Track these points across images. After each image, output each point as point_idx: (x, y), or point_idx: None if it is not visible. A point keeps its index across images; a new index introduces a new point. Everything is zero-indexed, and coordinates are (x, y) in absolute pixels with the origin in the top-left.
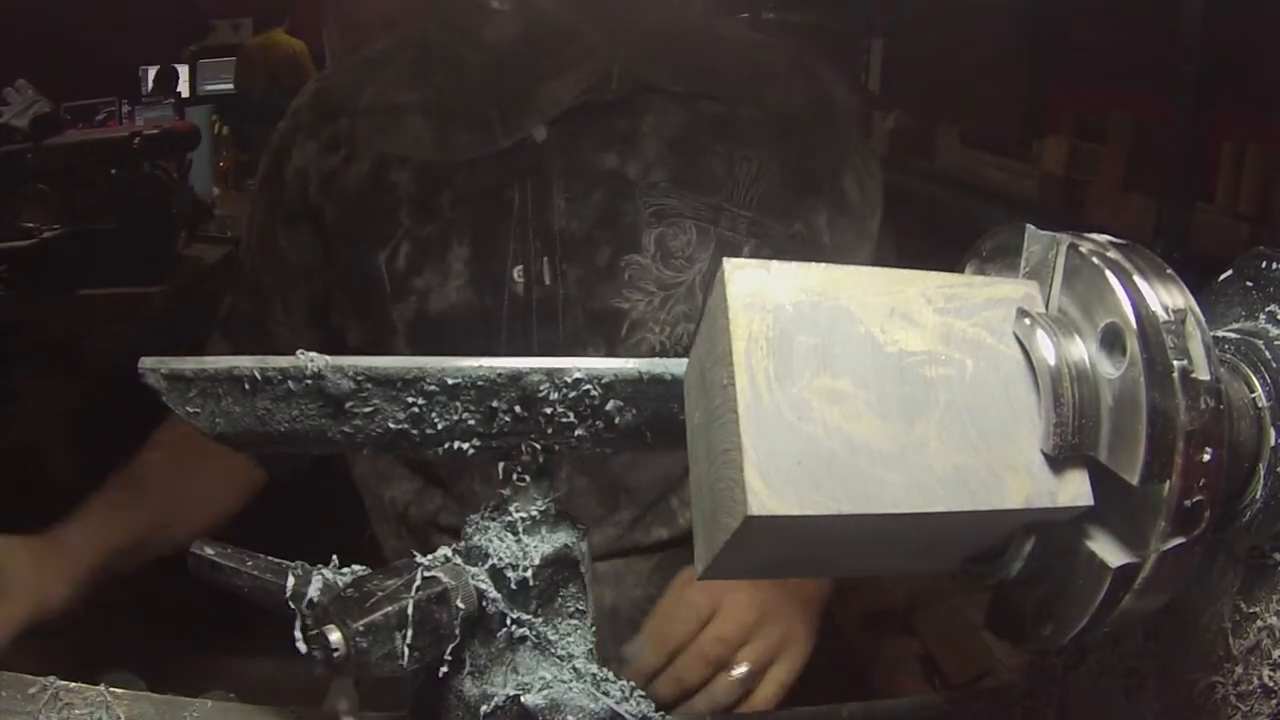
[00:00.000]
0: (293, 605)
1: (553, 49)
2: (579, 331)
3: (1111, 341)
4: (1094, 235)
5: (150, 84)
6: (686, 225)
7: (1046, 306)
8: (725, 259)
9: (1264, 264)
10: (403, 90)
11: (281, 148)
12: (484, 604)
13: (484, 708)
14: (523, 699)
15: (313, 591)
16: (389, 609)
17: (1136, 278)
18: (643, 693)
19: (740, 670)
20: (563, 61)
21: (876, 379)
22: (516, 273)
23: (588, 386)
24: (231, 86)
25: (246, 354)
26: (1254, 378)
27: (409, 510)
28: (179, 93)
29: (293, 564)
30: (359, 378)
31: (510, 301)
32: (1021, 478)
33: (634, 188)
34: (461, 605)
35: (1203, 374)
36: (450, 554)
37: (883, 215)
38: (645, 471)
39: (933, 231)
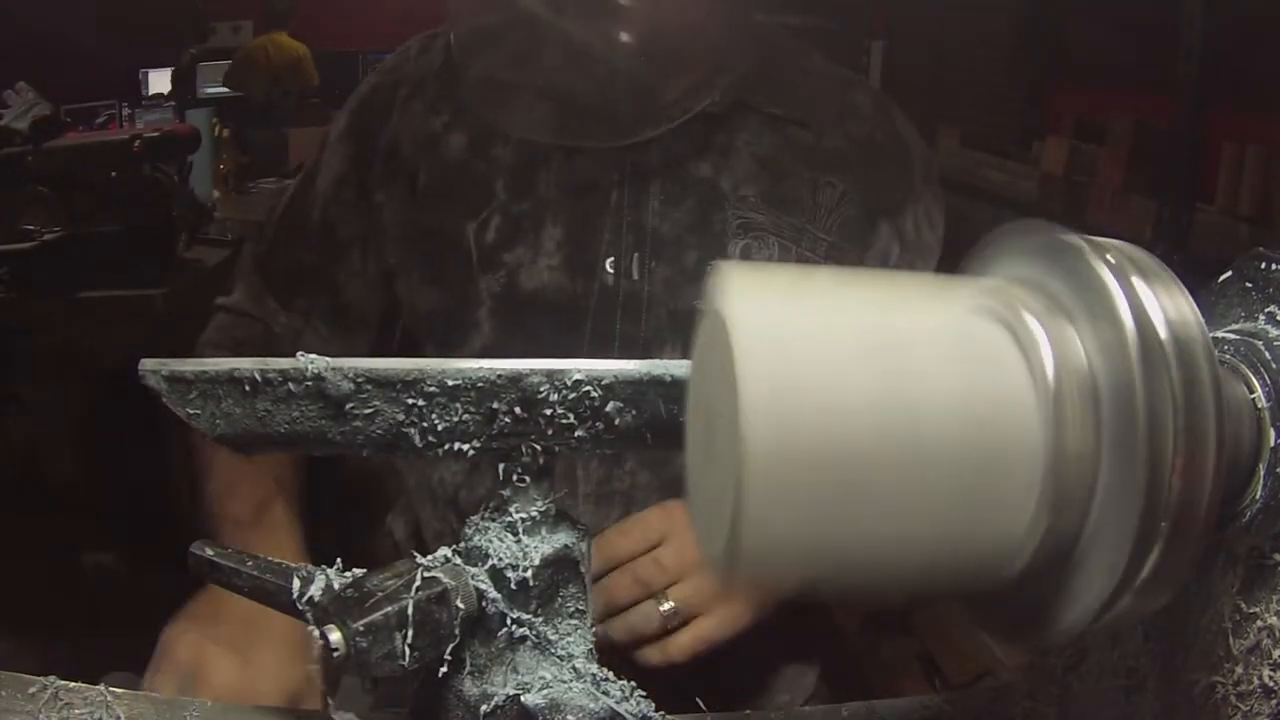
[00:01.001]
0: (302, 607)
1: (675, 55)
2: (660, 329)
3: (1110, 343)
4: (1094, 237)
5: (150, 87)
6: (770, 241)
7: (1047, 308)
8: (723, 262)
9: (1263, 265)
10: (514, 67)
11: (378, 101)
12: (484, 604)
13: (484, 708)
14: (523, 699)
15: (314, 591)
16: (389, 609)
17: (1135, 279)
18: (643, 693)
19: (666, 606)
20: (682, 69)
21: (876, 381)
22: (608, 263)
23: (588, 388)
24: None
25: (313, 305)
26: (1253, 378)
27: (459, 493)
28: (159, 93)
29: (292, 566)
30: (359, 379)
31: (600, 291)
32: (1022, 478)
33: (725, 199)
34: (461, 605)
35: (1202, 375)
36: (450, 554)
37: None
38: None
39: None
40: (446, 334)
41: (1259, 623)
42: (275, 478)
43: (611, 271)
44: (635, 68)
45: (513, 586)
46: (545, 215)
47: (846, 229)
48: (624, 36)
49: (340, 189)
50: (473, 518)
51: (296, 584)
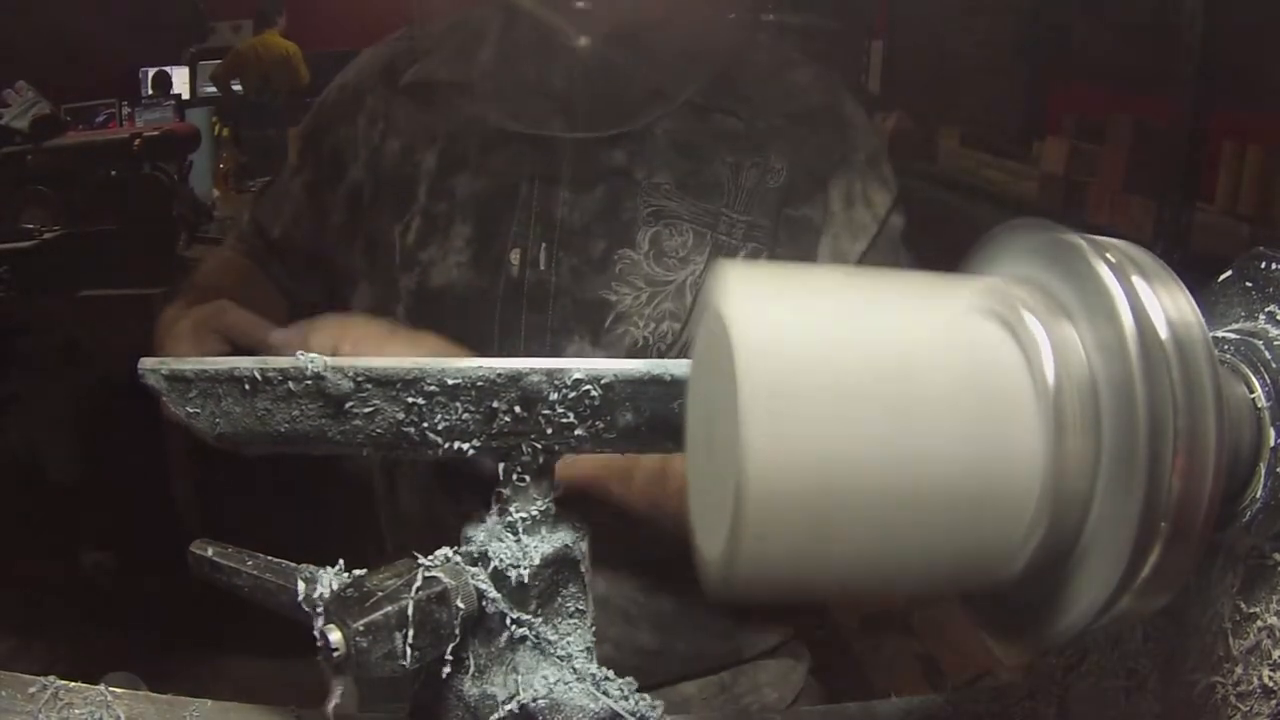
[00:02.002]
0: (306, 609)
1: (627, 61)
2: (566, 319)
3: (1110, 343)
4: (1094, 236)
5: (150, 86)
6: (683, 228)
7: (1047, 308)
8: (725, 262)
9: (1263, 264)
10: (446, 68)
11: (331, 111)
12: (484, 604)
13: (484, 708)
14: (523, 699)
15: (320, 592)
16: (389, 609)
17: (1136, 279)
18: (644, 695)
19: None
20: (647, 71)
21: (875, 381)
22: (513, 255)
23: (588, 387)
24: (237, 88)
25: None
26: (1253, 378)
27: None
28: (178, 94)
29: (293, 565)
30: (359, 378)
31: (505, 283)
32: (1022, 479)
33: (637, 186)
34: (461, 605)
35: (1202, 375)
36: (450, 554)
37: (888, 250)
38: None
39: (933, 233)
40: None
41: (1259, 623)
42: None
43: (517, 263)
44: (600, 66)
45: (513, 586)
46: (457, 214)
47: (765, 203)
48: (583, 39)
49: (291, 184)
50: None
51: (301, 585)
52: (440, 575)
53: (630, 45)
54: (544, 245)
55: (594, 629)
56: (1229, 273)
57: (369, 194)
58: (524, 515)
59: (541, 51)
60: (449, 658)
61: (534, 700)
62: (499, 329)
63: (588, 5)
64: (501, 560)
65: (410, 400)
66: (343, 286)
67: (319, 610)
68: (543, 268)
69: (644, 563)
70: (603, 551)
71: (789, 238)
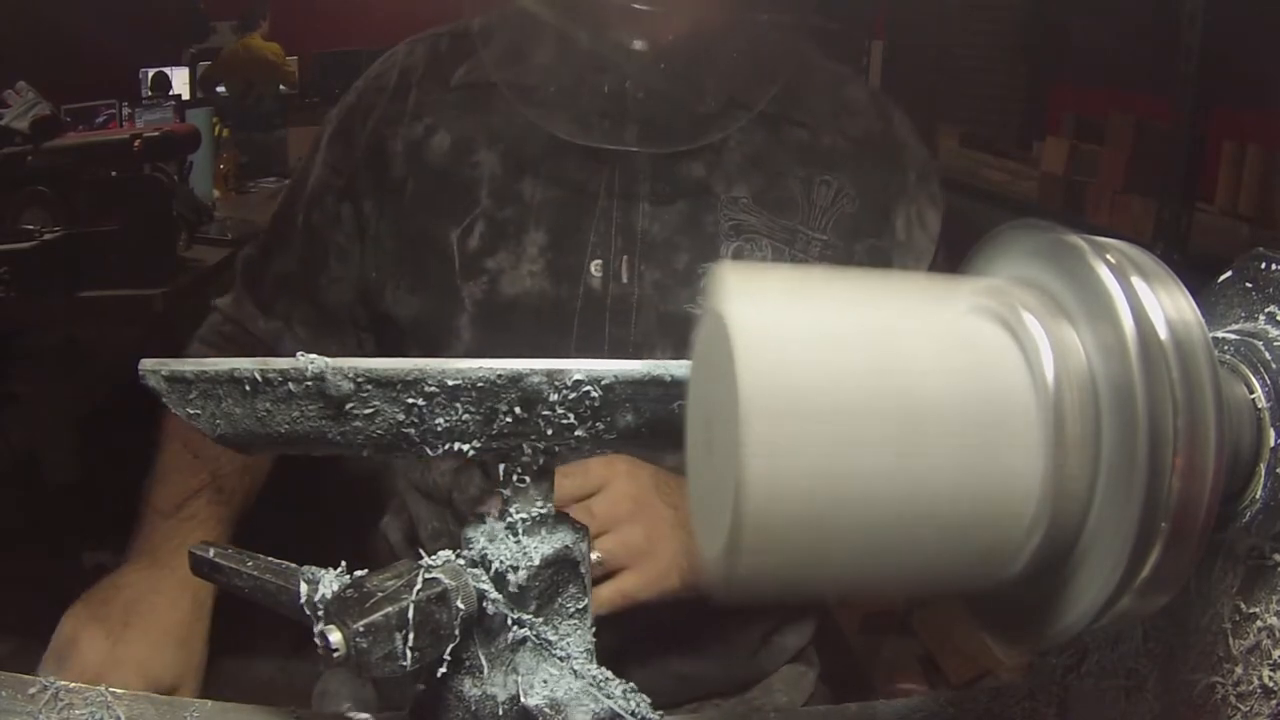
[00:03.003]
0: (308, 610)
1: (673, 59)
2: (650, 332)
3: (1110, 344)
4: (1094, 237)
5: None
6: (763, 243)
7: (1047, 309)
8: (724, 263)
9: (1263, 265)
10: (504, 69)
11: (361, 108)
12: (484, 604)
13: (484, 708)
14: (523, 699)
15: (322, 593)
16: (389, 609)
17: (1135, 279)
18: (643, 696)
19: (592, 555)
20: (679, 74)
21: (875, 381)
22: (594, 266)
23: (588, 388)
24: (222, 91)
25: (293, 309)
26: (1253, 378)
27: (452, 494)
28: (178, 95)
29: (293, 566)
30: (359, 379)
31: (585, 295)
32: (1023, 480)
33: (717, 200)
34: (462, 606)
35: (1202, 375)
36: (451, 554)
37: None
38: None
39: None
40: (427, 343)
41: (1259, 623)
42: (213, 472)
43: (599, 275)
44: (667, 77)
45: (513, 587)
46: (529, 220)
47: (841, 227)
48: (638, 44)
49: (323, 195)
50: (473, 519)
51: (303, 587)
52: (440, 576)
53: (694, 52)
54: (625, 258)
55: (594, 629)
56: (1229, 273)
57: (412, 191)
58: (524, 516)
59: (601, 57)
60: (449, 658)
61: (534, 700)
62: (576, 343)
63: (646, 8)
64: (501, 561)
65: (410, 401)
66: (375, 300)
67: (319, 611)
68: (625, 280)
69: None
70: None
71: (870, 268)
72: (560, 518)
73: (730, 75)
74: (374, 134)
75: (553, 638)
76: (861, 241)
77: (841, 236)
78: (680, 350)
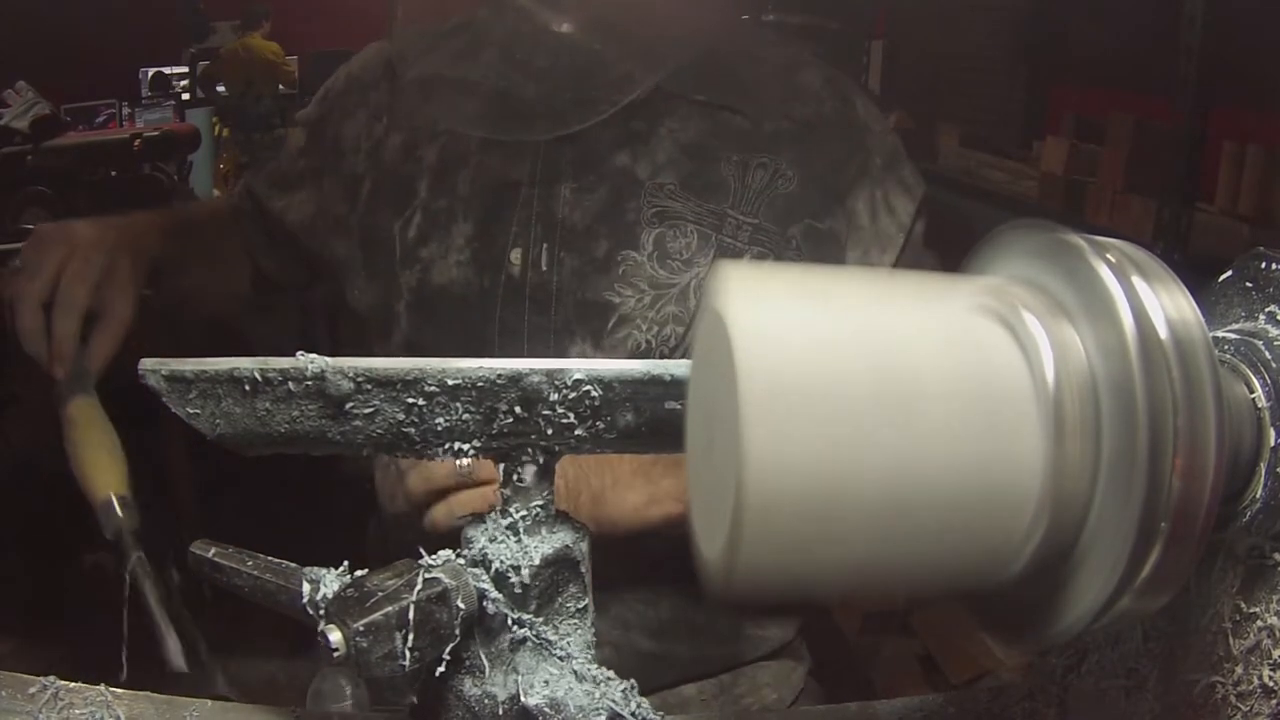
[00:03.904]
0: (309, 610)
1: (617, 45)
2: (569, 320)
3: (1110, 343)
4: (1094, 236)
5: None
6: (688, 229)
7: (1047, 308)
8: (726, 263)
9: (1264, 264)
10: (449, 65)
11: (335, 102)
12: (484, 604)
13: (484, 708)
14: (523, 699)
15: (324, 593)
16: (389, 609)
17: (1136, 279)
18: (644, 699)
19: (464, 462)
20: (621, 60)
21: (875, 381)
22: (514, 255)
23: (588, 387)
24: (222, 90)
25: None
26: (1254, 378)
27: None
28: (178, 94)
29: (294, 566)
30: (359, 379)
31: (506, 283)
32: (1023, 479)
33: (641, 187)
34: (462, 605)
35: (1202, 375)
36: (451, 554)
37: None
38: None
39: (933, 233)
40: (377, 329)
41: (1259, 623)
42: None
43: (518, 263)
44: (575, 58)
45: (513, 587)
46: (458, 211)
47: (774, 209)
48: (565, 26)
49: (293, 166)
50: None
51: (305, 587)
52: (441, 575)
53: (608, 31)
54: (545, 245)
55: (594, 629)
56: (1229, 273)
57: (369, 188)
58: (524, 516)
59: (530, 45)
60: (448, 658)
61: (534, 700)
62: (499, 329)
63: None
64: (502, 561)
65: (410, 401)
66: (339, 278)
67: (320, 611)
68: (544, 268)
69: (642, 571)
70: (600, 560)
71: (811, 250)
72: (560, 518)
73: (634, 51)
74: (343, 131)
75: (553, 637)
76: (797, 223)
77: (775, 219)
78: (597, 338)
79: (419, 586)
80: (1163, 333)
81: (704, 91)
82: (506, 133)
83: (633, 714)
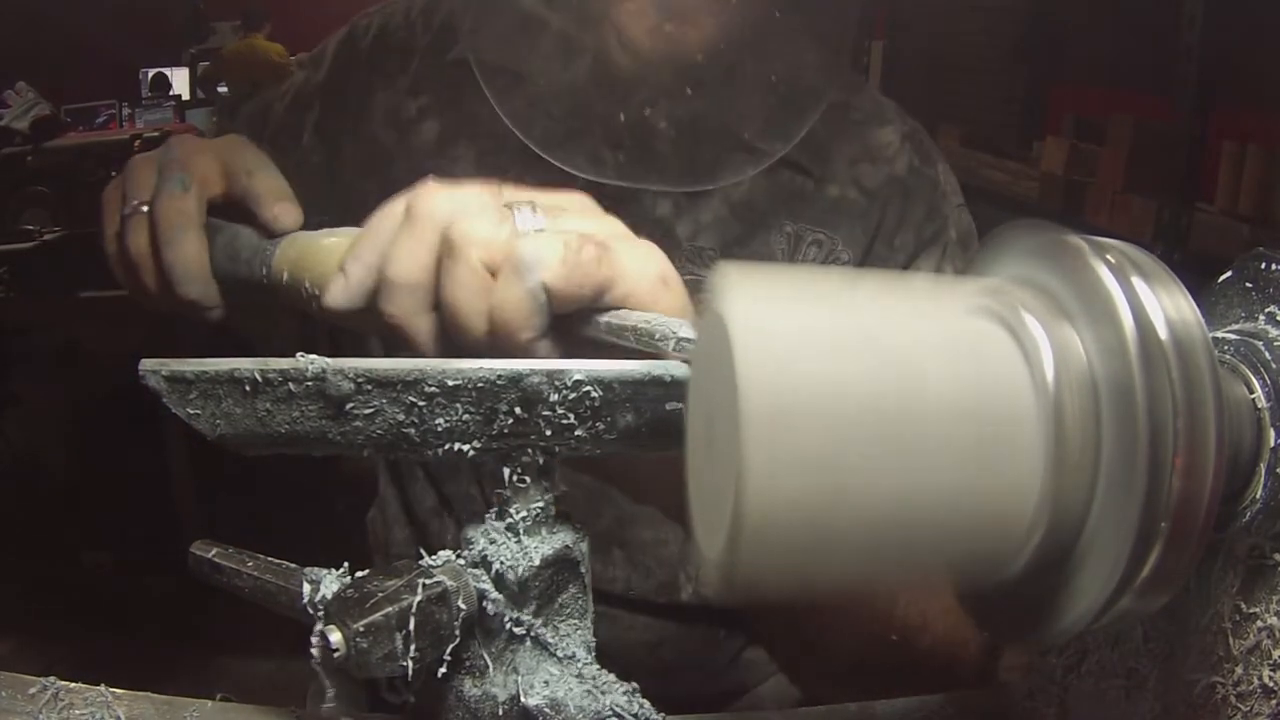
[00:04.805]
0: (310, 611)
1: (737, 97)
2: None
3: (1111, 344)
4: (1094, 237)
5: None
6: None
7: (1047, 309)
8: (726, 267)
9: (1264, 265)
10: (533, 63)
11: (368, 61)
12: (484, 604)
13: (484, 708)
14: (523, 699)
15: (324, 594)
16: (389, 609)
17: (1136, 280)
18: (643, 699)
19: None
20: (739, 115)
21: (875, 381)
22: None
23: (588, 388)
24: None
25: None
26: (1253, 378)
27: (413, 507)
28: (178, 95)
29: (294, 566)
30: (359, 379)
31: None
32: (1023, 480)
33: (678, 248)
34: (462, 606)
35: (1202, 375)
36: (451, 554)
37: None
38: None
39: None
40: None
41: (1259, 623)
42: None
43: None
44: (696, 101)
45: (513, 587)
46: None
47: None
48: (695, 57)
49: (294, 112)
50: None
51: (306, 587)
52: (441, 576)
53: (719, 84)
54: None
55: (594, 630)
56: (1229, 273)
57: (392, 167)
58: (524, 516)
59: (635, 73)
60: (448, 658)
61: (534, 700)
62: None
63: (676, 31)
64: (502, 561)
65: (410, 401)
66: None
67: (320, 611)
68: None
69: (644, 616)
70: (600, 603)
71: None
72: (560, 517)
73: (748, 114)
74: (371, 94)
75: (553, 638)
76: None
77: None
78: None
79: (419, 587)
80: (1163, 333)
81: (763, 140)
82: (611, 177)
83: (634, 716)
